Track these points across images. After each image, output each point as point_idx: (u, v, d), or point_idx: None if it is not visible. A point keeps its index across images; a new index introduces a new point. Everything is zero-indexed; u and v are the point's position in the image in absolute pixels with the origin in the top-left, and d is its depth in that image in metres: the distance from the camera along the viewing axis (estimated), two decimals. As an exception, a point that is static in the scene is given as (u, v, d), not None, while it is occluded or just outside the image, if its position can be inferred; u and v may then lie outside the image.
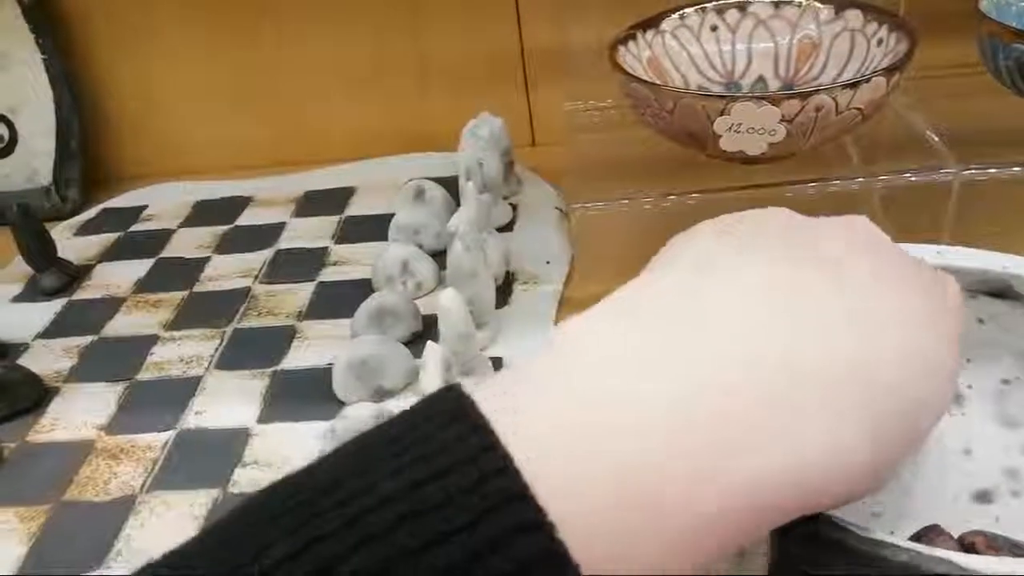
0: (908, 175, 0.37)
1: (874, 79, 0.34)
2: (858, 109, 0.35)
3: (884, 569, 0.22)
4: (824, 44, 0.43)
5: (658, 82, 0.40)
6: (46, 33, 0.60)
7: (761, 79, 0.44)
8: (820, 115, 0.34)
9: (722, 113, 0.34)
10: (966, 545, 0.27)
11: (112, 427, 0.41)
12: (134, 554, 0.35)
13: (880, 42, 0.39)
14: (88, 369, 0.46)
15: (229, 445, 0.39)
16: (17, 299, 0.53)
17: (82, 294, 0.52)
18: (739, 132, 0.34)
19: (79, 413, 0.43)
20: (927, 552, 0.22)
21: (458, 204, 0.54)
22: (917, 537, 0.28)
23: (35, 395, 0.43)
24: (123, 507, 0.37)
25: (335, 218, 0.57)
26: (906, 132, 0.40)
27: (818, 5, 0.43)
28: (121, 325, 0.49)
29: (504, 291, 0.47)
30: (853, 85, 0.34)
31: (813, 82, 0.42)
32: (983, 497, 0.32)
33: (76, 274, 0.54)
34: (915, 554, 0.22)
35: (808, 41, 0.43)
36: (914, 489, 0.32)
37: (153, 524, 0.36)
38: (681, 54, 0.44)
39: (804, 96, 0.33)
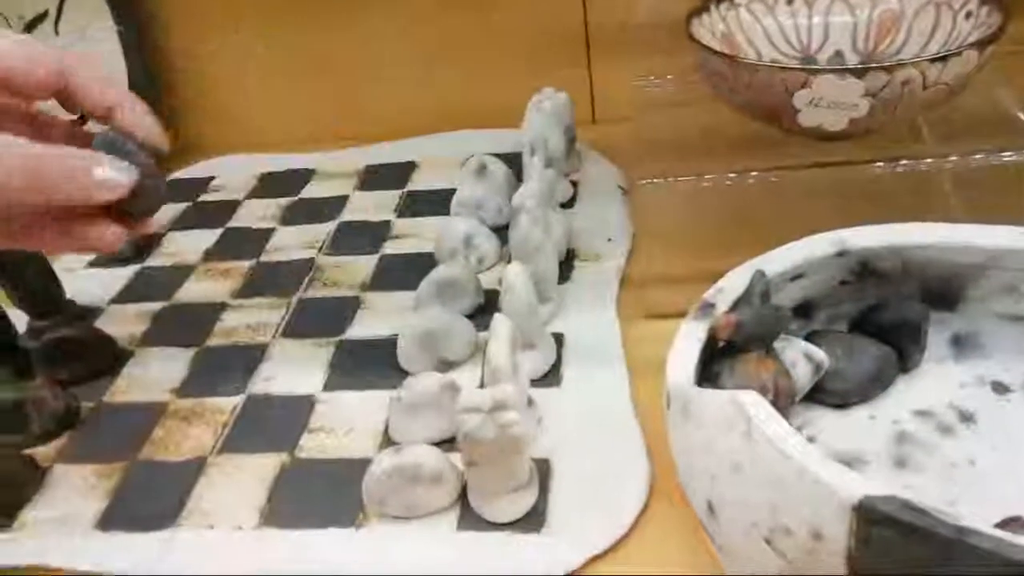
0: (991, 154, 0.36)
1: (965, 52, 0.32)
2: (946, 84, 0.33)
3: (969, 557, 0.22)
4: (907, 17, 0.41)
5: (737, 55, 0.39)
6: (122, 6, 0.61)
7: (838, 54, 0.43)
8: (907, 90, 0.32)
9: (803, 86, 0.33)
10: (1049, 536, 0.26)
11: (184, 390, 0.43)
12: (204, 514, 0.36)
13: (969, 15, 0.38)
14: (160, 334, 0.47)
15: (296, 411, 0.40)
16: (92, 264, 0.55)
17: (153, 261, 0.54)
18: (819, 106, 0.33)
19: (152, 376, 0.44)
20: (1012, 540, 0.21)
21: (519, 180, 0.53)
22: (998, 526, 0.27)
23: (110, 357, 0.45)
24: (194, 467, 0.38)
25: (397, 192, 0.57)
26: (993, 110, 0.39)
27: (902, -23, 0.41)
28: (191, 292, 0.50)
29: (566, 267, 0.47)
30: (943, 59, 0.32)
31: (894, 58, 0.41)
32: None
33: (148, 241, 0.55)
34: (1001, 542, 0.21)
35: (889, 14, 0.42)
36: (991, 479, 0.31)
37: (223, 485, 0.37)
38: (755, 27, 0.43)
39: (890, 69, 0.32)
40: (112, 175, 0.30)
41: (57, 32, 0.62)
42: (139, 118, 0.33)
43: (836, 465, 0.24)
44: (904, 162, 0.37)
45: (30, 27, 0.62)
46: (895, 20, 0.42)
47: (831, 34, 0.43)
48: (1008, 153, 0.37)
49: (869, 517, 0.23)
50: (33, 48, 0.31)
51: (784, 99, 0.34)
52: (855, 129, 0.35)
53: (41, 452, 0.40)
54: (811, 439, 0.33)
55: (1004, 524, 0.27)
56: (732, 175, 0.39)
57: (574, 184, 0.55)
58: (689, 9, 0.42)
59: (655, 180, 0.38)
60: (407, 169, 0.60)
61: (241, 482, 0.37)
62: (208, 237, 0.56)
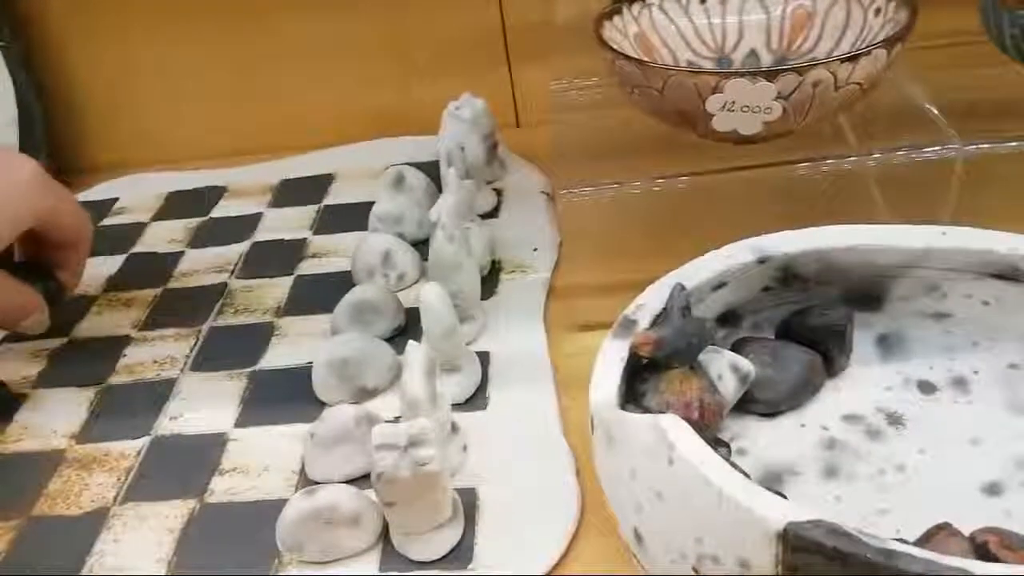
0: (908, 152, 0.35)
1: (874, 51, 0.32)
2: (857, 84, 0.33)
3: (897, 579, 0.21)
4: (819, 15, 0.41)
5: (646, 59, 0.38)
6: (6, 20, 0.57)
7: (753, 53, 0.42)
8: (818, 91, 0.32)
9: (715, 91, 0.32)
10: (978, 544, 0.26)
11: (83, 435, 0.40)
12: (107, 571, 0.33)
13: (878, 11, 0.38)
14: (58, 374, 0.44)
15: (206, 452, 0.38)
16: (-18, 300, 0.51)
17: (51, 294, 0.50)
18: (733, 111, 0.32)
19: (48, 421, 0.41)
20: (943, 561, 0.21)
21: (440, 190, 0.52)
22: (927, 536, 0.26)
23: (2, 404, 0.41)
24: (96, 521, 0.35)
25: (313, 207, 0.55)
26: (904, 106, 0.39)
27: (812, -27, 0.41)
28: (92, 326, 0.47)
29: (490, 281, 0.45)
30: (852, 58, 0.32)
31: (808, 55, 0.40)
32: (992, 489, 0.30)
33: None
34: (930, 563, 0.21)
35: (802, 11, 0.41)
36: (920, 483, 0.31)
37: (128, 538, 0.34)
38: (669, 28, 0.42)
39: (801, 71, 0.31)
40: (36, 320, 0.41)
41: (-67, 50, 0.57)
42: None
43: (760, 491, 0.23)
44: (828, 162, 0.37)
45: (-96, 45, 0.57)
46: (808, 17, 0.41)
47: (745, 33, 0.42)
48: (927, 149, 0.36)
49: (795, 544, 0.22)
50: (70, 206, 0.42)
51: (697, 104, 0.33)
52: (769, 133, 0.34)
53: (-78, 514, 0.36)
54: (742, 451, 0.32)
55: (932, 533, 0.26)
56: (659, 180, 0.38)
57: (497, 192, 0.53)
58: (599, 11, 0.41)
59: (574, 190, 0.37)
60: (324, 182, 0.58)
61: (146, 534, 0.34)
62: (111, 264, 0.52)
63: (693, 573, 0.25)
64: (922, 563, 0.21)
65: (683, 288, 0.30)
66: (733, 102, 0.31)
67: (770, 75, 0.31)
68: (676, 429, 0.25)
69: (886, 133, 0.39)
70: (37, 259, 0.42)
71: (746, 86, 0.31)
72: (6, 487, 0.37)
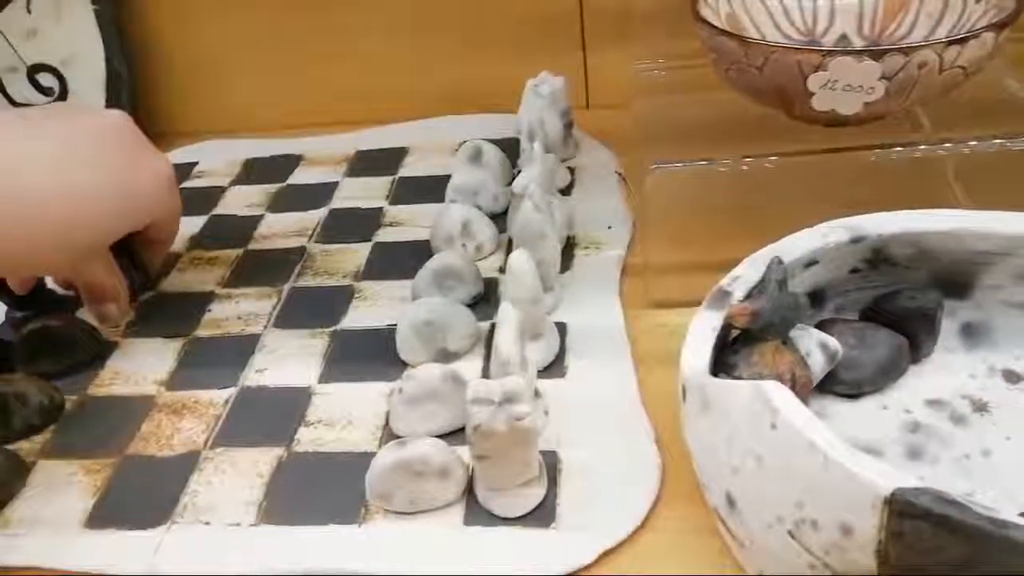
0: (1008, 140, 0.35)
1: (983, 35, 0.32)
2: (961, 68, 0.33)
3: (1006, 550, 0.21)
4: (914, 1, 0.40)
5: (754, 37, 0.38)
6: (98, -17, 0.59)
7: (844, 37, 0.42)
8: (923, 73, 0.32)
9: (818, 68, 0.32)
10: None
11: (172, 383, 0.41)
12: (199, 510, 0.34)
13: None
14: (146, 325, 0.45)
15: (291, 404, 0.39)
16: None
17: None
18: (835, 90, 0.32)
19: (139, 368, 0.42)
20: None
21: (513, 166, 0.52)
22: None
23: (94, 349, 0.43)
24: (188, 462, 0.36)
25: (388, 178, 0.56)
26: (1003, 97, 0.38)
27: (910, -41, 0.41)
28: (177, 282, 0.49)
29: (566, 256, 0.46)
30: (960, 41, 0.32)
31: (901, 41, 0.40)
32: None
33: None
34: (1039, 534, 0.21)
35: (896, -2, 0.41)
36: (1007, 469, 0.31)
37: (218, 480, 0.36)
38: (760, 9, 0.42)
39: (907, 51, 0.31)
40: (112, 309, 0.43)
41: (29, 11, 0.60)
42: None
43: (866, 457, 0.24)
44: (922, 147, 0.37)
45: (1, 6, 0.59)
46: (902, 3, 0.41)
47: (837, 17, 0.42)
48: (1021, 139, 0.36)
49: (901, 510, 0.22)
50: (178, 210, 0.44)
51: (798, 82, 0.33)
52: (867, 114, 0.34)
53: (24, 447, 0.38)
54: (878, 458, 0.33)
55: (1026, 515, 0.26)
56: (746, 159, 0.38)
57: (571, 171, 0.53)
58: (694, -10, 0.41)
59: (663, 166, 0.37)
60: (398, 155, 0.59)
61: (237, 477, 0.35)
62: (193, 224, 0.54)
63: (790, 537, 0.25)
64: (1032, 533, 0.21)
65: (781, 262, 0.30)
66: (836, 80, 0.32)
67: (876, 54, 0.31)
68: (780, 395, 0.25)
69: (977, 121, 0.38)
70: (130, 250, 0.43)
71: (851, 65, 0.31)
72: (101, 427, 0.39)
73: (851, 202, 0.34)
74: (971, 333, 0.35)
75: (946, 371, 0.34)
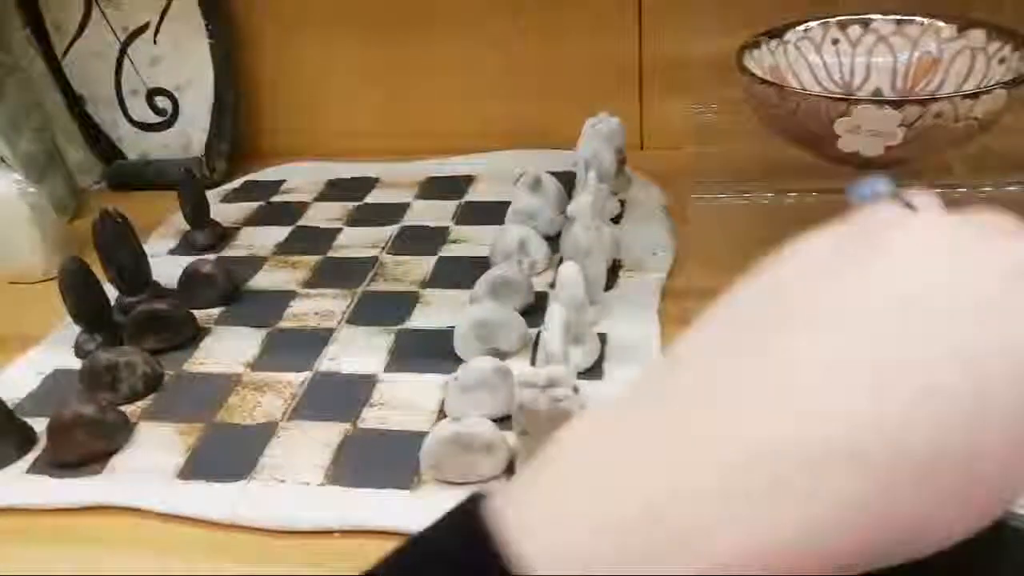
0: (1015, 187, 0.38)
1: (995, 91, 0.36)
2: (976, 119, 0.36)
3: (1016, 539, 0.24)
4: (944, 61, 0.44)
5: (786, 84, 0.42)
6: (215, 20, 0.67)
7: (878, 92, 0.46)
8: (939, 122, 0.36)
9: (843, 114, 0.36)
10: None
11: (256, 365, 0.47)
12: (274, 469, 0.39)
13: (1003, 60, 0.41)
14: (235, 315, 0.51)
15: (359, 388, 0.44)
16: (173, 251, 0.59)
17: (229, 251, 0.59)
18: (858, 134, 0.36)
19: (228, 351, 0.48)
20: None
21: (570, 196, 0.57)
22: None
23: (191, 332, 0.49)
24: (266, 431, 0.42)
25: (455, 202, 0.62)
26: (1017, 151, 0.42)
27: (940, 24, 0.44)
28: (264, 280, 0.55)
29: (611, 277, 0.50)
30: (974, 95, 0.35)
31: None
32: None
33: (224, 234, 0.60)
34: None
35: (928, 58, 0.45)
36: None
37: (291, 447, 0.41)
38: (801, 63, 0.47)
39: (924, 102, 0.35)
40: None
41: (155, 42, 0.68)
42: None
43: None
44: (939, 191, 0.40)
45: (132, 37, 0.68)
46: (934, 63, 0.45)
47: (872, 73, 0.46)
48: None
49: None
50: None
51: (826, 126, 0.37)
52: (890, 157, 0.38)
53: (129, 409, 0.44)
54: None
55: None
56: (789, 196, 0.42)
57: (622, 203, 0.58)
58: (741, 43, 0.46)
59: (706, 196, 0.42)
60: (465, 182, 0.64)
61: (308, 445, 0.40)
62: (279, 233, 0.60)
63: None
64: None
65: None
66: (859, 126, 0.36)
67: (896, 104, 0.35)
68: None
69: (999, 170, 0.42)
70: None
71: (873, 112, 0.35)
72: (194, 397, 0.45)
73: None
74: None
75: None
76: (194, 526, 0.38)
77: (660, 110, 0.67)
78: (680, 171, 0.52)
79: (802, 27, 0.47)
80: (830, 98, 0.37)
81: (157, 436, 0.42)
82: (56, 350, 0.49)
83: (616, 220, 0.57)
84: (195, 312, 0.51)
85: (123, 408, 0.44)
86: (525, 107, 0.68)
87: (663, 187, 0.60)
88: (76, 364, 0.47)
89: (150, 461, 0.41)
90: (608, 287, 0.49)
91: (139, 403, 0.45)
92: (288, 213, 0.63)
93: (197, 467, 0.40)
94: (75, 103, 0.70)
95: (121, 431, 0.42)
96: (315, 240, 0.59)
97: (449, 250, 0.56)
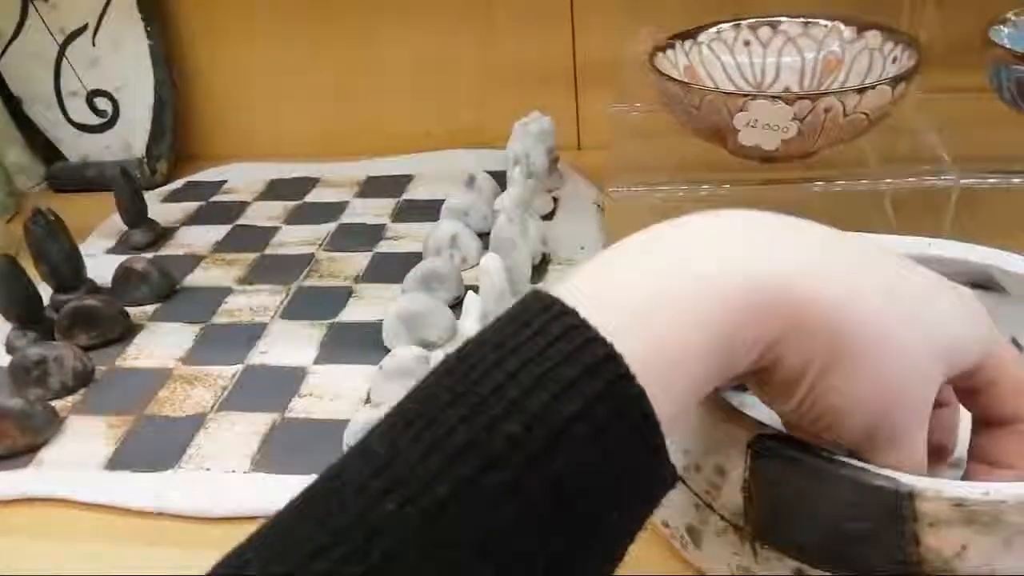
0: (912, 179, 0.41)
1: (879, 86, 0.38)
2: (864, 114, 0.39)
3: (838, 482, 0.26)
4: (847, 61, 0.47)
5: (687, 82, 0.44)
6: (153, 21, 0.67)
7: (787, 91, 0.48)
8: (828, 116, 0.38)
9: (741, 109, 0.38)
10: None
11: (188, 359, 0.47)
12: (203, 458, 0.40)
13: (895, 60, 0.43)
14: (170, 311, 0.52)
15: (289, 379, 0.45)
16: (110, 251, 0.60)
17: (166, 250, 0.59)
18: (755, 127, 0.38)
19: (160, 346, 0.49)
20: (872, 468, 0.26)
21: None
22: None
23: (123, 328, 0.50)
24: (195, 422, 0.42)
25: (394, 200, 0.63)
26: (919, 147, 0.44)
27: (842, 26, 0.47)
28: (200, 278, 0.55)
29: (540, 269, 0.52)
30: (860, 91, 0.38)
31: (831, 93, 0.46)
32: (954, 465, 0.35)
33: (163, 234, 0.61)
34: (862, 470, 0.26)
35: (832, 58, 0.47)
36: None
37: (220, 436, 0.41)
38: (715, 64, 0.49)
39: (814, 97, 0.37)
40: None
41: (94, 44, 0.68)
42: None
43: (738, 410, 0.29)
44: (841, 181, 0.43)
45: (70, 39, 0.68)
46: (838, 62, 0.47)
47: (782, 73, 0.49)
48: (929, 179, 0.42)
49: (760, 452, 0.28)
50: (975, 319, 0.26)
51: (727, 120, 0.39)
52: (790, 150, 0.40)
53: (59, 404, 0.44)
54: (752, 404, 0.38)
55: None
56: (685, 187, 0.44)
57: (555, 199, 0.60)
58: (654, 45, 0.48)
59: (621, 188, 0.44)
60: (404, 181, 0.65)
61: (236, 435, 0.41)
62: (217, 232, 0.61)
63: (681, 483, 0.30)
64: (856, 469, 0.26)
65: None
66: (756, 120, 0.38)
67: (788, 99, 0.38)
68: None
69: (901, 167, 0.44)
70: None
71: (767, 106, 0.37)
72: (125, 391, 0.45)
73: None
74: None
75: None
76: (121, 515, 0.38)
77: (596, 109, 0.69)
78: (608, 162, 0.54)
79: (715, 29, 0.49)
80: (728, 94, 0.39)
81: (86, 429, 0.43)
82: (-13, 348, 0.50)
83: (549, 216, 0.58)
84: (129, 309, 0.51)
85: (53, 403, 0.44)
86: (466, 107, 0.70)
87: (598, 183, 0.62)
88: (7, 360, 0.47)
89: (78, 453, 0.41)
90: (537, 280, 0.50)
91: (69, 398, 0.45)
92: (227, 212, 0.63)
93: (125, 458, 0.41)
94: (13, 105, 0.70)
95: (49, 425, 0.42)
96: (253, 238, 0.59)
97: (385, 246, 0.57)
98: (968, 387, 0.27)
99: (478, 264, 0.53)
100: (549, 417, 0.19)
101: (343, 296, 0.51)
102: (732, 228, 0.24)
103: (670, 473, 0.22)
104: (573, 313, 0.21)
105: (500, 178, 0.59)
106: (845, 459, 0.26)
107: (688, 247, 0.24)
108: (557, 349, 0.20)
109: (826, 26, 0.48)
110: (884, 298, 0.24)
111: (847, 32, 0.47)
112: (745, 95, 0.38)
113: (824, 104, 0.37)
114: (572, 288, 0.22)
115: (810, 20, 0.48)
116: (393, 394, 0.40)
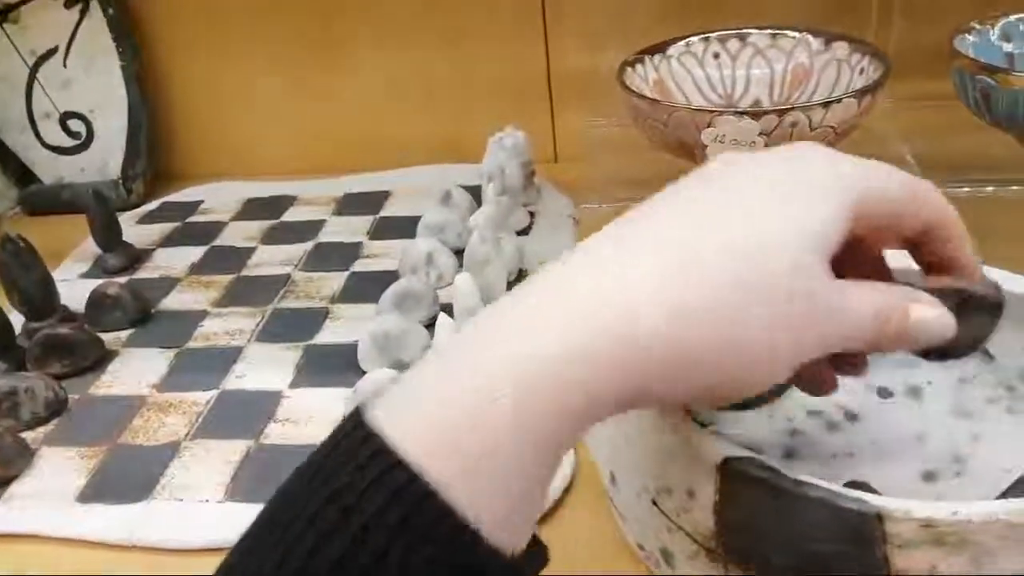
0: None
1: (845, 100, 0.38)
2: (831, 127, 0.39)
3: (807, 505, 0.26)
4: (815, 72, 0.47)
5: (656, 98, 0.44)
6: (125, 42, 0.67)
7: (757, 102, 0.48)
8: (795, 130, 0.38)
9: (708, 125, 0.38)
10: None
11: (162, 386, 0.47)
12: (176, 488, 0.40)
13: (862, 71, 0.44)
14: (144, 337, 0.51)
15: (263, 404, 0.44)
16: (85, 275, 0.59)
17: (142, 273, 0.59)
18: (723, 143, 0.38)
19: (134, 373, 0.48)
20: (841, 492, 0.26)
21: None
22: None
23: (97, 355, 0.49)
24: (169, 450, 0.42)
25: (371, 217, 0.63)
26: (887, 155, 0.44)
27: (810, 37, 0.47)
28: (175, 301, 0.55)
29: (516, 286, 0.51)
30: (825, 105, 0.38)
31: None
32: (929, 477, 0.35)
33: (137, 256, 0.60)
34: (832, 493, 0.26)
35: (801, 69, 0.48)
36: (865, 465, 0.35)
37: (193, 466, 0.41)
38: (686, 78, 0.49)
39: (780, 112, 0.37)
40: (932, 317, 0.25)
41: (65, 65, 0.68)
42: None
43: (707, 433, 0.29)
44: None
45: (40, 61, 0.68)
46: (806, 73, 0.48)
47: (752, 85, 0.49)
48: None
49: (730, 474, 0.27)
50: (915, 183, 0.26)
51: (695, 136, 0.39)
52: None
53: (31, 436, 0.44)
54: (715, 433, 0.38)
55: (849, 485, 0.31)
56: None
57: (532, 215, 0.60)
58: (623, 60, 0.48)
59: (593, 204, 0.44)
60: (381, 198, 0.65)
61: (210, 463, 0.41)
62: (194, 254, 0.60)
63: (652, 504, 0.30)
64: (826, 492, 0.26)
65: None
66: (724, 135, 0.38)
67: (754, 115, 0.38)
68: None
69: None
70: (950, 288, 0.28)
71: (734, 122, 0.37)
72: (98, 421, 0.45)
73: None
74: (852, 355, 0.40)
75: (828, 387, 0.39)
76: (92, 549, 0.38)
77: (572, 123, 0.69)
78: (582, 177, 0.54)
79: (684, 42, 0.49)
80: (695, 110, 0.39)
81: (58, 461, 0.42)
82: (-41, 379, 0.49)
83: (525, 231, 0.58)
84: (104, 335, 0.51)
85: (25, 434, 0.44)
86: (442, 123, 0.70)
87: (575, 198, 0.62)
88: (-21, 392, 0.47)
89: (50, 486, 0.41)
90: (512, 296, 0.50)
91: (42, 428, 0.45)
92: (204, 233, 0.63)
93: (97, 490, 0.40)
94: (-15, 128, 0.69)
95: (20, 458, 0.42)
96: (230, 259, 0.59)
97: (361, 265, 0.57)
98: (906, 239, 0.27)
99: (453, 282, 0.53)
100: (365, 542, 0.19)
101: (320, 317, 0.51)
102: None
103: (530, 559, 0.22)
104: (379, 438, 0.21)
105: (477, 193, 0.59)
106: (814, 481, 0.26)
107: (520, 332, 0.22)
108: (363, 476, 0.20)
109: (794, 37, 0.48)
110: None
111: (815, 43, 0.47)
112: (711, 111, 0.38)
113: (790, 119, 0.37)
114: (388, 407, 0.22)
115: (778, 32, 0.48)
116: (368, 418, 0.40)
